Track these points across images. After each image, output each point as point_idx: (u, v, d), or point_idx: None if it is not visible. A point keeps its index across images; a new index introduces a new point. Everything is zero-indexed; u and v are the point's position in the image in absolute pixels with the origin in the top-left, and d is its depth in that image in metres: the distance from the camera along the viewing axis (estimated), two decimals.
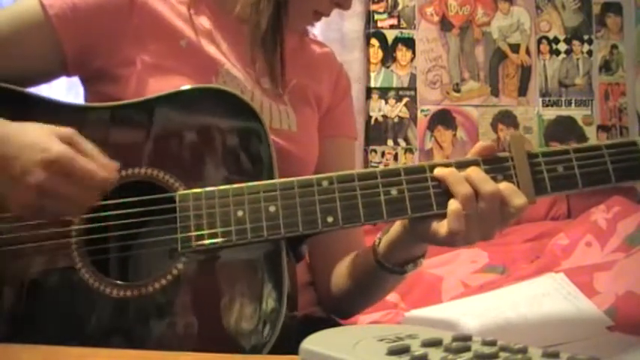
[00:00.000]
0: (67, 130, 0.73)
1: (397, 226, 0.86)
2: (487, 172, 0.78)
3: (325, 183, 0.78)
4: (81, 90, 0.96)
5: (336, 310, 1.03)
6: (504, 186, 0.76)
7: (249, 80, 0.94)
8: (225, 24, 0.97)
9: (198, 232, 0.77)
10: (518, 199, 0.75)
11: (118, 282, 0.78)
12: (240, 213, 0.77)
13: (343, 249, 1.01)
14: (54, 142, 0.71)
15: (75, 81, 0.96)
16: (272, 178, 0.80)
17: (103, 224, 0.80)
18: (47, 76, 0.93)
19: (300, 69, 1.02)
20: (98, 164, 0.72)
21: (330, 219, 0.77)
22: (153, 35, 0.91)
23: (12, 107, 0.85)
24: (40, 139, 0.71)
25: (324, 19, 1.03)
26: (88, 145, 0.73)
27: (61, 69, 0.91)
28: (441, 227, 0.76)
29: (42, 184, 0.69)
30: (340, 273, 1.00)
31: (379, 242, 0.89)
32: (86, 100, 0.96)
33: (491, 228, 0.77)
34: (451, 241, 0.76)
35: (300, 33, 1.07)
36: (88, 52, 0.90)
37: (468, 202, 0.75)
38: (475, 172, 0.77)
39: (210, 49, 0.94)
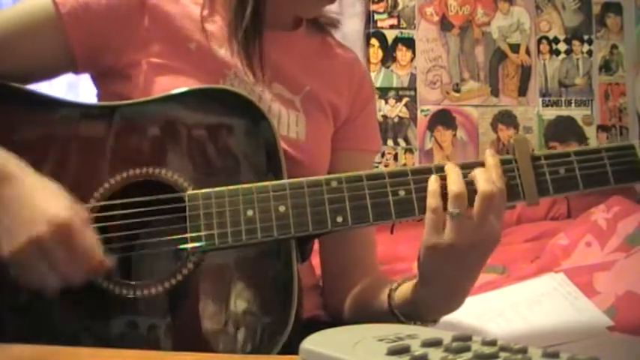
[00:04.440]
0: (82, 208, 0.75)
1: (411, 288, 0.85)
2: None
3: (334, 183, 0.79)
4: (81, 89, 0.97)
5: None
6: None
7: (259, 83, 0.93)
8: None
9: (208, 232, 0.77)
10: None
11: (129, 282, 0.78)
12: (250, 213, 0.77)
13: (355, 256, 1.01)
14: (68, 208, 0.71)
15: (75, 80, 0.96)
16: (280, 178, 0.80)
17: (111, 223, 0.80)
18: (55, 73, 0.93)
19: (316, 75, 1.00)
20: (98, 249, 0.73)
21: (339, 219, 0.78)
22: (162, 37, 0.91)
23: (19, 105, 0.85)
24: (55, 200, 0.72)
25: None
26: (93, 232, 0.74)
27: (70, 66, 0.91)
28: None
29: (42, 241, 0.69)
30: (353, 307, 0.99)
31: (396, 288, 0.88)
32: (98, 98, 0.96)
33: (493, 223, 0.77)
34: (434, 223, 0.76)
35: (322, 36, 1.05)
36: (98, 52, 0.90)
37: (458, 199, 0.75)
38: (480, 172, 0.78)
39: (221, 51, 0.93)
